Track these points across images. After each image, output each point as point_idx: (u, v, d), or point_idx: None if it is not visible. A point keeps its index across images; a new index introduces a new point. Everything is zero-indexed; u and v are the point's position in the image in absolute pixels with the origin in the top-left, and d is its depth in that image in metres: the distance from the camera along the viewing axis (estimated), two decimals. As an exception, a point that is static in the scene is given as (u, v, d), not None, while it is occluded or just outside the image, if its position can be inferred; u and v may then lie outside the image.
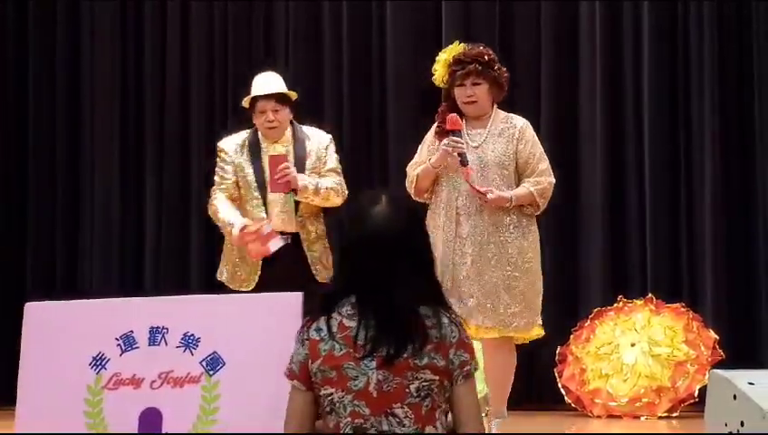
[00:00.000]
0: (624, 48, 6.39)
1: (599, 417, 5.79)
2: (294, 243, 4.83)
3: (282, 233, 4.80)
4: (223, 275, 4.96)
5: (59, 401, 3.38)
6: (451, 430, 2.61)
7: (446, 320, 2.59)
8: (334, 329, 2.56)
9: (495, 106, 4.69)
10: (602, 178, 6.34)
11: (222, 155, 5.01)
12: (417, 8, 6.61)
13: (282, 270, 4.76)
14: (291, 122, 4.95)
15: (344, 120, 6.69)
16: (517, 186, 4.58)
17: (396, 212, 2.63)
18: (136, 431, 3.38)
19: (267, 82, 4.96)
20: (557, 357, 6.03)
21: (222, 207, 4.88)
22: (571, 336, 6.04)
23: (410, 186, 4.67)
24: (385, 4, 6.67)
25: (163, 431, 3.38)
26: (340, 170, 4.95)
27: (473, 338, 4.23)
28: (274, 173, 4.75)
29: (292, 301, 3.81)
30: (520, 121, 4.68)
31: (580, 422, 5.77)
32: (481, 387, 5.78)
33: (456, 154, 4.48)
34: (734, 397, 2.91)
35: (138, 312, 3.61)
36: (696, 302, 6.08)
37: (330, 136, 5.02)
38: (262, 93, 4.90)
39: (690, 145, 6.28)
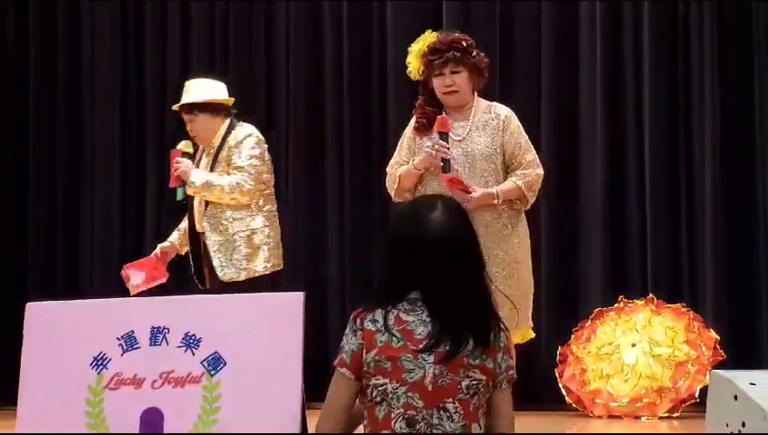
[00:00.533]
0: (624, 48, 6.40)
1: (599, 417, 5.79)
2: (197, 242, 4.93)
3: (201, 233, 4.91)
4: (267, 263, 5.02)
5: (60, 401, 3.38)
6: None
7: (496, 326, 2.71)
8: (391, 322, 2.64)
9: (476, 95, 4.47)
10: (602, 179, 6.35)
11: None
12: (417, 8, 6.61)
13: (201, 265, 4.94)
14: (231, 122, 4.93)
15: (344, 119, 6.70)
16: (505, 179, 4.37)
17: (454, 217, 2.75)
18: (137, 431, 3.38)
19: (183, 93, 5.01)
20: (557, 357, 6.03)
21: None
22: (572, 336, 6.04)
23: (392, 186, 4.47)
24: (385, 5, 6.67)
25: (164, 431, 3.38)
26: (246, 169, 4.83)
27: None
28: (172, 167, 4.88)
29: (294, 301, 3.80)
30: (503, 111, 4.45)
31: (580, 423, 5.77)
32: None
33: (439, 159, 4.27)
34: (736, 397, 2.90)
35: (139, 312, 3.60)
36: (696, 302, 6.08)
37: (249, 133, 4.92)
38: (175, 106, 5.02)
39: (690, 145, 6.29)
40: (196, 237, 4.97)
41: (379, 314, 2.65)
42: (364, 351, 2.65)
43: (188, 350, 3.52)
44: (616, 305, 6.05)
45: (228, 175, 4.85)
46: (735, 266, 6.16)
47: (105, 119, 6.94)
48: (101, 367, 3.41)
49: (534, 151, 4.42)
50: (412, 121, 4.49)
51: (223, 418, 3.43)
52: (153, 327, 3.59)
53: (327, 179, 6.71)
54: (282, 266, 5.02)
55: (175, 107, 5.04)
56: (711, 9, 6.27)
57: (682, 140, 6.29)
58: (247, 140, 4.89)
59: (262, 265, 4.91)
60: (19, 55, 7.02)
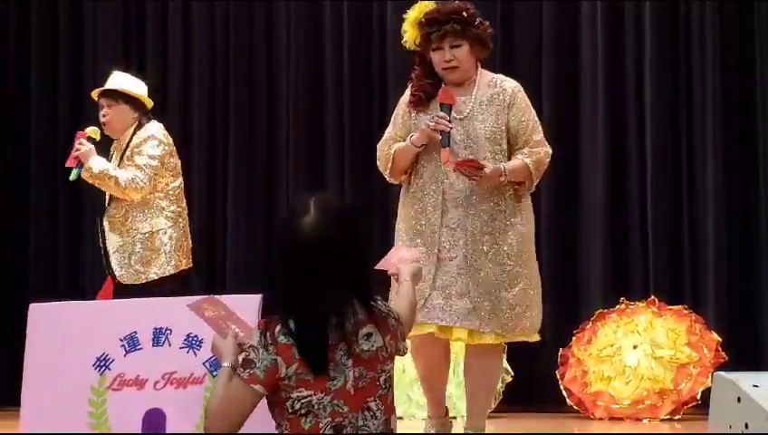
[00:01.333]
0: (626, 48, 6.38)
1: (601, 419, 5.78)
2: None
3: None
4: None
5: (63, 401, 3.38)
6: None
7: (384, 307, 2.69)
8: (294, 331, 2.57)
9: (479, 67, 4.08)
10: (603, 179, 6.34)
11: None
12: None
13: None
14: (139, 123, 4.98)
15: (345, 119, 6.69)
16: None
17: (327, 217, 2.65)
18: (139, 432, 3.38)
19: (110, 79, 5.07)
20: (559, 359, 6.02)
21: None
22: (573, 338, 6.04)
23: (385, 165, 4.08)
24: (385, 4, 6.67)
25: (167, 432, 3.38)
26: (144, 168, 4.87)
27: (463, 342, 4.03)
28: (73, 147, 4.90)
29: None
30: (510, 84, 4.06)
31: (582, 424, 5.77)
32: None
33: (438, 132, 3.89)
34: (738, 399, 2.91)
35: (141, 313, 3.60)
36: (698, 304, 6.08)
37: (151, 134, 4.96)
38: (97, 90, 5.04)
39: (692, 146, 6.28)
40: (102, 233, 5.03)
41: (288, 326, 2.58)
42: (281, 366, 2.56)
43: (191, 351, 3.52)
44: (617, 307, 6.05)
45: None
46: (737, 268, 6.16)
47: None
48: (104, 368, 3.41)
49: (542, 132, 4.10)
50: (406, 94, 4.15)
51: (225, 419, 3.44)
52: (155, 328, 3.59)
53: (327, 181, 6.71)
54: (191, 265, 5.04)
55: (96, 92, 5.06)
56: (713, 9, 6.26)
57: (684, 140, 6.29)
58: (150, 140, 4.94)
59: (162, 268, 4.91)
60: (20, 55, 7.01)
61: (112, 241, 4.94)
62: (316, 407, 2.57)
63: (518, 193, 4.01)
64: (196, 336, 3.57)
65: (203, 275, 6.33)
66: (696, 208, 6.24)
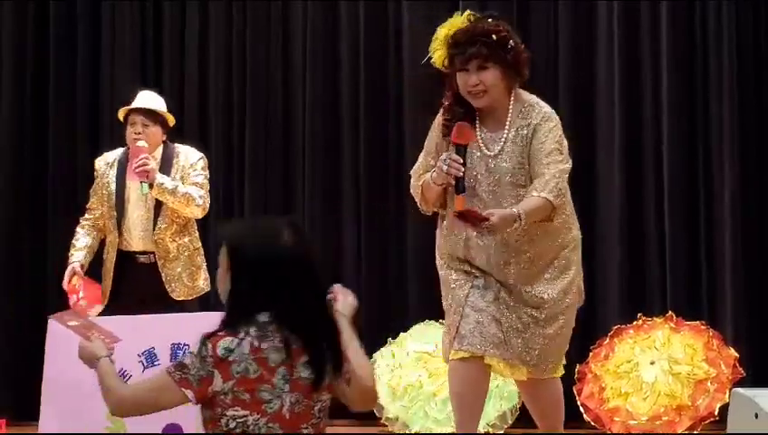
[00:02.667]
0: (642, 50, 6.35)
1: (618, 435, 5.76)
2: (148, 262, 4.98)
3: (142, 252, 4.97)
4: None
5: (81, 416, 3.40)
6: None
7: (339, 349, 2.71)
8: (246, 351, 2.59)
9: (514, 94, 3.69)
10: (620, 194, 6.32)
11: (94, 173, 5.23)
12: (432, 7, 6.61)
13: (134, 288, 4.95)
14: (164, 144, 5.08)
15: (360, 118, 6.70)
16: None
17: (301, 239, 2.69)
18: (157, 446, 3.40)
19: (144, 99, 5.13)
20: (576, 375, 6.01)
21: (76, 240, 5.10)
22: (590, 354, 6.02)
23: (416, 195, 3.84)
24: (401, 5, 6.68)
25: (184, 447, 3.40)
26: (204, 186, 5.05)
27: (506, 377, 4.03)
28: (134, 161, 4.91)
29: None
30: (537, 115, 3.68)
31: (599, 440, 5.75)
32: (499, 405, 5.78)
33: (451, 178, 3.56)
34: (756, 415, 2.90)
35: (159, 328, 3.63)
36: (716, 319, 6.05)
37: (201, 155, 5.15)
38: (134, 106, 5.08)
39: (709, 160, 6.25)
40: (121, 256, 5.01)
41: (231, 343, 2.59)
42: (217, 379, 2.58)
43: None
44: (634, 323, 6.03)
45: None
46: (755, 284, 6.14)
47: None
48: (122, 383, 3.42)
49: (559, 148, 3.70)
50: (438, 118, 3.80)
51: (242, 434, 3.45)
52: (173, 344, 3.62)
53: (343, 191, 6.71)
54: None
55: (124, 110, 5.10)
56: (729, 9, 6.22)
57: (701, 154, 6.27)
58: (201, 160, 5.11)
59: (205, 283, 5.07)
60: (38, 65, 7.04)
61: (175, 266, 4.99)
62: (251, 428, 2.58)
63: (556, 231, 3.70)
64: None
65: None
66: (714, 222, 6.22)
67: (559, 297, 3.75)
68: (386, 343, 6.11)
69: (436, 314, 6.13)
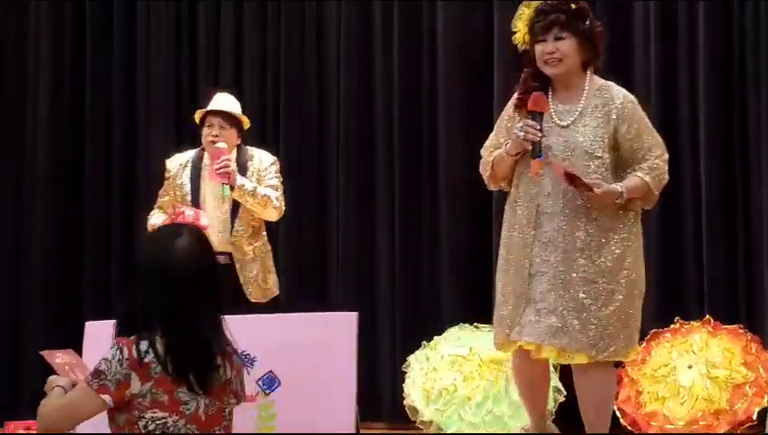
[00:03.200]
0: (679, 49, 6.29)
1: (655, 439, 5.72)
2: (226, 263, 4.95)
3: (220, 253, 4.79)
4: None
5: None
6: None
7: (233, 347, 2.81)
8: (161, 351, 2.64)
9: (590, 72, 3.89)
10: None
11: (165, 173, 5.21)
12: (467, 7, 6.60)
13: None
14: (238, 147, 5.10)
15: (395, 117, 6.69)
16: (615, 177, 3.79)
17: (198, 245, 2.77)
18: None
19: (221, 101, 5.17)
20: (612, 379, 5.97)
21: (152, 221, 5.09)
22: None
23: (485, 172, 3.98)
24: (436, 5, 6.66)
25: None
26: (279, 189, 5.10)
27: (553, 363, 4.04)
28: (215, 163, 4.91)
29: (348, 320, 3.81)
30: (619, 94, 3.86)
31: (635, 445, 5.71)
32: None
33: (528, 143, 3.73)
34: (797, 421, 2.87)
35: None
36: (754, 323, 5.99)
37: (274, 158, 5.20)
38: (213, 108, 5.10)
39: (747, 159, 6.18)
40: None
41: (145, 345, 2.64)
42: (135, 382, 2.63)
43: (244, 369, 3.54)
44: (671, 327, 5.99)
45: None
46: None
47: (160, 127, 6.99)
48: (158, 386, 3.43)
49: (657, 138, 3.91)
50: (513, 98, 3.96)
51: (278, 437, 3.45)
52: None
53: (377, 191, 6.71)
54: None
55: (201, 112, 5.13)
56: (766, 10, 6.16)
57: (738, 152, 6.20)
58: (275, 164, 5.16)
59: (275, 285, 5.13)
60: (75, 60, 7.09)
61: (240, 261, 5.01)
62: (171, 429, 2.64)
63: (626, 208, 3.83)
64: (248, 355, 3.60)
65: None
66: (752, 226, 6.16)
67: (619, 270, 3.83)
68: (420, 346, 6.10)
69: (471, 316, 6.13)
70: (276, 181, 5.09)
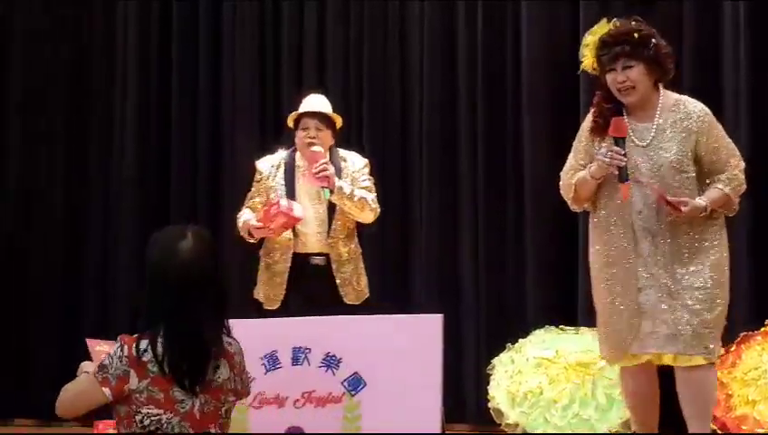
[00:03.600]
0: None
1: (745, 444, 5.62)
2: (323, 264, 4.93)
3: (316, 254, 4.93)
4: (258, 294, 5.07)
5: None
6: None
7: (237, 346, 2.89)
8: (159, 351, 2.75)
9: (661, 88, 4.04)
10: (747, 200, 6.13)
11: (256, 175, 5.16)
12: (551, 7, 6.54)
13: (308, 291, 4.90)
14: (330, 149, 5.04)
15: (478, 117, 6.65)
16: (699, 188, 3.97)
17: (201, 246, 2.86)
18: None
19: (316, 102, 5.12)
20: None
21: (243, 218, 5.05)
22: (717, 361, 5.88)
23: (567, 195, 4.15)
24: (520, 5, 6.62)
25: (306, 450, 3.42)
26: (373, 190, 5.07)
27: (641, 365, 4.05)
28: (313, 166, 4.87)
29: (433, 323, 3.80)
30: (696, 108, 4.03)
31: (725, 449, 5.61)
32: (623, 412, 5.69)
33: (614, 168, 3.91)
34: None
35: (281, 332, 3.66)
36: None
37: (366, 160, 5.16)
38: (309, 110, 5.05)
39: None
40: (294, 259, 4.97)
41: (145, 343, 2.75)
42: (133, 378, 2.74)
43: (329, 370, 3.55)
44: (762, 329, 5.88)
45: None
46: None
47: (244, 125, 7.04)
48: (245, 386, 3.46)
49: (733, 148, 4.12)
50: (588, 119, 4.14)
51: (364, 438, 3.45)
52: (295, 347, 3.64)
53: (460, 190, 6.69)
54: None
55: (294, 115, 5.07)
56: None
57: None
58: (367, 167, 5.14)
59: (366, 286, 5.07)
60: (162, 61, 7.18)
61: (347, 269, 4.99)
62: (165, 426, 2.73)
63: (713, 216, 4.02)
64: (334, 356, 3.61)
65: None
66: None
67: (718, 275, 4.03)
68: (504, 348, 6.06)
69: (557, 318, 6.07)
70: (370, 183, 5.08)
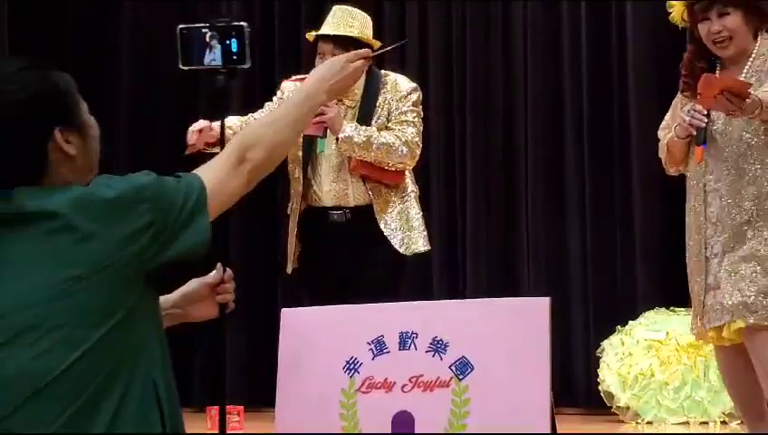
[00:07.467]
0: None
1: None
2: (360, 216, 4.15)
3: (338, 208, 4.18)
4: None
5: (316, 403, 3.48)
6: None
7: None
8: None
9: (761, 36, 3.65)
10: None
11: (278, 93, 4.41)
12: (657, 6, 6.45)
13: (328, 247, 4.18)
14: (368, 72, 3.91)
15: (584, 116, 6.61)
16: None
17: None
18: (389, 433, 3.45)
19: (333, 21, 4.18)
20: None
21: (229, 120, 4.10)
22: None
23: (662, 155, 3.87)
24: (624, 4, 6.56)
25: (415, 433, 3.44)
26: (414, 125, 4.15)
27: (732, 342, 3.81)
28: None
29: (540, 305, 3.78)
30: None
31: None
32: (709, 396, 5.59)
33: (693, 129, 3.61)
34: None
35: (388, 317, 3.67)
36: None
37: (415, 85, 4.25)
38: (322, 33, 4.16)
39: None
40: (307, 215, 4.24)
41: None
42: None
43: (436, 354, 3.56)
44: None
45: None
46: None
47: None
48: (353, 371, 3.49)
49: None
50: (681, 79, 3.86)
51: (472, 423, 3.45)
52: (402, 332, 3.65)
53: (567, 178, 6.65)
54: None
55: (312, 35, 4.21)
56: None
57: None
58: (415, 93, 4.22)
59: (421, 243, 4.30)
60: (265, 40, 7.27)
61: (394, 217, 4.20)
62: None
63: None
64: (441, 340, 3.61)
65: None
66: None
67: None
68: (614, 331, 6.01)
69: (667, 300, 5.99)
70: (412, 116, 4.16)
